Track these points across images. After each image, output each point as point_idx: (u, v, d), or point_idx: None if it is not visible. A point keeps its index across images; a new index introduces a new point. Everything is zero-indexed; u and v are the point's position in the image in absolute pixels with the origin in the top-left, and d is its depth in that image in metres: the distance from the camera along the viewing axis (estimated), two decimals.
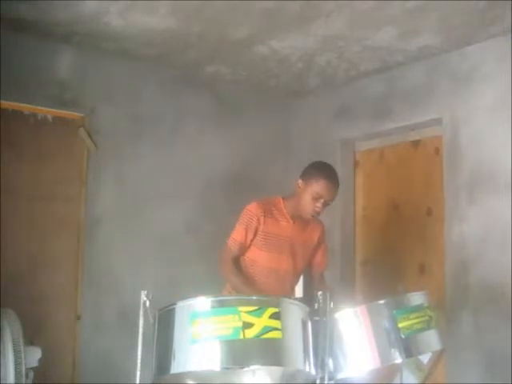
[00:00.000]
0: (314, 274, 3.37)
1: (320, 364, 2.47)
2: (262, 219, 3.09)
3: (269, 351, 2.30)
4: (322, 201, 3.07)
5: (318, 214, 3.13)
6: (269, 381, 2.45)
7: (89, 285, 4.12)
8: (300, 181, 3.15)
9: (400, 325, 2.59)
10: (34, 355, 3.12)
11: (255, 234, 3.10)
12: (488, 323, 3.79)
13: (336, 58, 4.31)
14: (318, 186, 3.07)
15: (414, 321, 2.64)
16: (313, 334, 2.45)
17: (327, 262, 3.41)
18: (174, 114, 4.60)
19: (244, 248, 3.13)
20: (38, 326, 3.80)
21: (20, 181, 3.95)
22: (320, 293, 2.53)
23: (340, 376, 2.56)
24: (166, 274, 4.32)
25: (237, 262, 3.13)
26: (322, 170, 3.14)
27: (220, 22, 3.73)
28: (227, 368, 2.30)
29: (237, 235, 3.12)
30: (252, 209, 3.12)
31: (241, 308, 2.26)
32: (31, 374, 3.05)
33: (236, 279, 3.06)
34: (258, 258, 3.12)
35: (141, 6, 3.51)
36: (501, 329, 3.70)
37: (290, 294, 3.19)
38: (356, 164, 5.00)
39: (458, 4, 3.43)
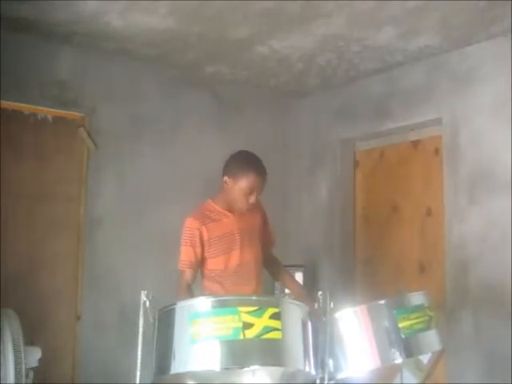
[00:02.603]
0: (266, 252, 3.30)
1: (320, 364, 2.47)
2: (203, 228, 3.00)
3: (269, 351, 2.29)
4: (254, 193, 3.00)
5: (253, 205, 3.05)
6: (269, 381, 2.45)
7: (89, 285, 4.12)
8: (226, 178, 3.04)
9: (400, 325, 2.59)
10: (34, 355, 3.12)
11: (203, 246, 3.02)
12: (488, 323, 3.79)
13: (336, 58, 4.31)
14: (248, 182, 2.98)
15: (414, 321, 2.64)
16: (313, 333, 2.45)
17: (275, 239, 3.35)
18: (173, 114, 4.60)
19: (197, 266, 3.05)
20: (38, 326, 3.80)
21: (20, 181, 3.95)
22: (320, 293, 2.53)
23: (340, 376, 2.56)
24: (166, 274, 4.30)
25: (190, 286, 3.04)
26: (248, 163, 3.04)
27: (220, 21, 3.73)
28: (227, 368, 2.29)
29: (185, 256, 3.03)
30: (189, 224, 3.03)
31: (241, 308, 2.26)
32: (31, 374, 3.05)
33: None
34: (217, 264, 3.05)
35: (141, 5, 3.51)
36: (501, 329, 3.70)
37: (258, 284, 3.14)
38: (356, 164, 5.00)
39: (457, 4, 3.43)
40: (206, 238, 3.01)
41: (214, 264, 3.06)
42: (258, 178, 3.01)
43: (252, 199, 3.01)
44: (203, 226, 3.01)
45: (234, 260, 3.06)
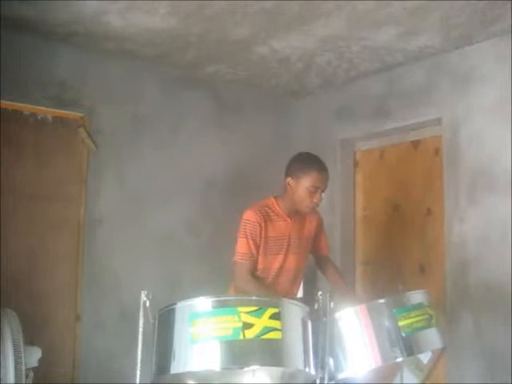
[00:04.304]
0: (321, 259, 3.40)
1: (320, 364, 2.47)
2: (263, 225, 3.04)
3: (269, 351, 2.30)
4: (319, 191, 3.06)
5: (318, 205, 3.11)
6: (269, 381, 2.46)
7: (89, 285, 4.12)
8: (289, 179, 3.11)
9: (400, 323, 2.60)
10: (34, 355, 3.12)
11: (261, 242, 3.05)
12: (488, 323, 3.79)
13: (336, 58, 4.31)
14: (311, 180, 3.04)
15: (415, 319, 2.64)
16: (313, 333, 2.45)
17: (329, 246, 3.44)
18: (174, 114, 4.60)
19: (256, 259, 3.06)
20: (38, 326, 3.80)
21: (20, 181, 3.95)
22: (320, 293, 2.53)
23: (341, 376, 2.56)
24: (165, 274, 4.32)
25: (254, 274, 3.05)
26: (309, 162, 3.11)
27: (220, 21, 3.73)
28: (227, 368, 2.30)
29: (245, 248, 3.03)
30: (251, 217, 3.04)
31: (241, 308, 2.26)
32: (31, 374, 3.05)
33: (265, 292, 2.96)
34: (261, 263, 3.08)
35: (141, 5, 3.51)
36: (501, 329, 3.70)
37: (294, 290, 3.21)
38: (356, 164, 5.00)
39: (457, 4, 3.43)
40: (262, 235, 3.05)
41: (258, 262, 3.08)
42: (321, 175, 3.07)
43: (316, 198, 3.06)
44: (263, 223, 3.05)
45: (276, 263, 3.10)
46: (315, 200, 3.06)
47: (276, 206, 3.14)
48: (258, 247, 3.05)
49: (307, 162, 3.11)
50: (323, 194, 3.10)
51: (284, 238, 3.11)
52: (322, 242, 3.37)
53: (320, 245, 3.36)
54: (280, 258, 3.11)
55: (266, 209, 3.12)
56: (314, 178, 3.05)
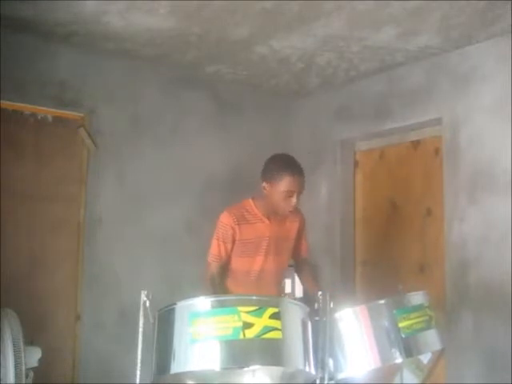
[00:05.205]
0: (300, 261, 3.36)
1: (320, 364, 2.47)
2: (236, 228, 3.03)
3: (269, 351, 2.29)
4: (295, 194, 3.00)
5: (296, 207, 3.06)
6: (269, 381, 2.45)
7: (89, 285, 4.12)
8: (264, 183, 3.06)
9: (400, 324, 2.59)
10: (34, 355, 3.12)
11: (233, 243, 3.04)
12: (488, 323, 3.79)
13: (336, 58, 4.31)
14: (285, 185, 2.98)
15: (414, 320, 2.64)
16: (313, 333, 2.45)
17: (308, 248, 3.40)
18: (174, 114, 4.60)
19: (225, 260, 3.07)
20: (38, 326, 3.80)
21: (20, 181, 3.95)
22: (320, 293, 2.53)
23: (340, 376, 2.56)
24: (166, 274, 4.32)
25: (220, 276, 3.06)
26: (282, 166, 3.03)
27: (220, 21, 3.73)
28: (227, 368, 2.29)
29: (215, 250, 3.06)
30: (224, 220, 3.05)
31: (241, 308, 2.26)
32: (31, 374, 3.05)
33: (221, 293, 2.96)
34: (240, 265, 3.08)
35: (141, 5, 3.51)
36: (501, 329, 3.70)
37: (276, 292, 3.19)
38: (356, 164, 5.00)
39: (457, 4, 3.43)
40: (237, 237, 3.04)
41: (237, 264, 3.09)
42: (295, 179, 3.00)
43: (293, 201, 3.01)
44: (236, 226, 3.04)
45: (256, 265, 3.09)
46: (292, 203, 3.01)
47: (253, 208, 3.11)
48: (227, 250, 3.05)
49: (280, 166, 3.04)
50: (298, 194, 3.02)
51: (262, 239, 3.08)
52: (301, 244, 3.32)
53: (300, 247, 3.31)
54: (259, 259, 3.09)
55: (243, 211, 3.09)
56: (287, 183, 2.98)
